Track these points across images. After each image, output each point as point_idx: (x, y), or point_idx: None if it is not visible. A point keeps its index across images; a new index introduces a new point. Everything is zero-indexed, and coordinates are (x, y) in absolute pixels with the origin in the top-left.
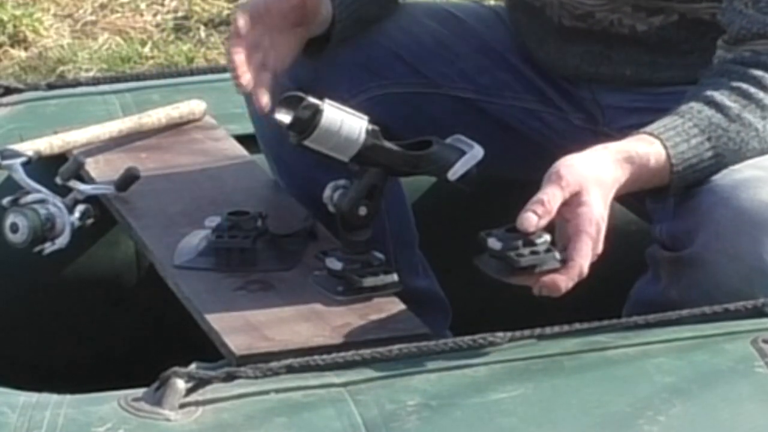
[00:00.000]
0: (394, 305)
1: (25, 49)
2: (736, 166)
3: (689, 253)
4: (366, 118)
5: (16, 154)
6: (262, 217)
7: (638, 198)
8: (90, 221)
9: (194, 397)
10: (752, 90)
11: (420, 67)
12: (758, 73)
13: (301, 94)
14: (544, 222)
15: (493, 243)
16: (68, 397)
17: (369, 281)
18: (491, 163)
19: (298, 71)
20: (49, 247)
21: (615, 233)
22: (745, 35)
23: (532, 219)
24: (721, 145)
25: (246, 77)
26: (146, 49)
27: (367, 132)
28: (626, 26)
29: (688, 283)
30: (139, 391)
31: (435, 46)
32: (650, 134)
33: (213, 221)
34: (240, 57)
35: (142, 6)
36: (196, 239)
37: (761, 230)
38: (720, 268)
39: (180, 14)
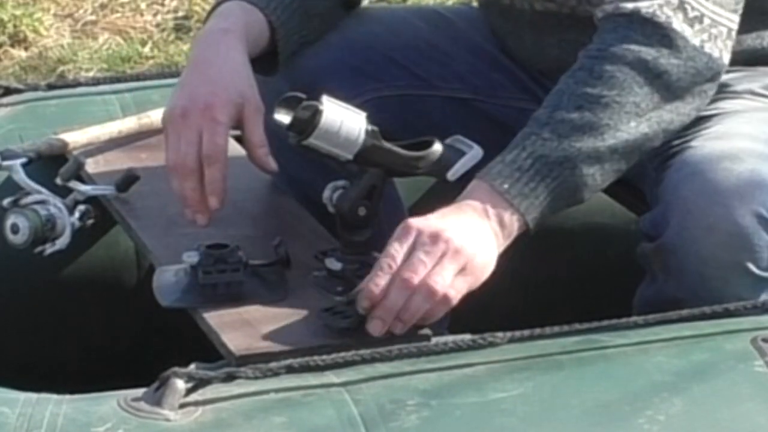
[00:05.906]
0: None
1: (25, 49)
2: (697, 143)
3: (668, 236)
4: (364, 114)
5: (16, 155)
6: (239, 248)
7: (637, 197)
8: (90, 222)
9: (194, 397)
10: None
11: (414, 69)
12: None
13: (300, 94)
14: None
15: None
16: (68, 397)
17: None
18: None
19: (293, 75)
20: (49, 248)
21: (615, 233)
22: None
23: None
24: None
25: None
26: (146, 49)
27: (367, 132)
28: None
29: (678, 269)
30: (139, 391)
31: (428, 48)
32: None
33: (192, 257)
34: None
35: (143, 6)
36: (173, 275)
37: (729, 197)
38: (699, 243)
39: (180, 14)
